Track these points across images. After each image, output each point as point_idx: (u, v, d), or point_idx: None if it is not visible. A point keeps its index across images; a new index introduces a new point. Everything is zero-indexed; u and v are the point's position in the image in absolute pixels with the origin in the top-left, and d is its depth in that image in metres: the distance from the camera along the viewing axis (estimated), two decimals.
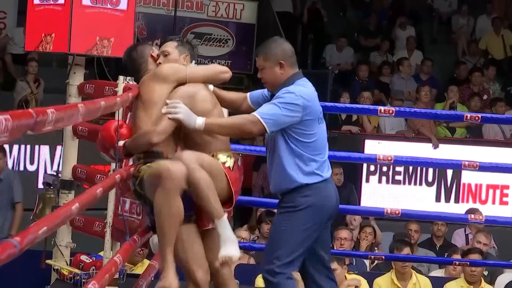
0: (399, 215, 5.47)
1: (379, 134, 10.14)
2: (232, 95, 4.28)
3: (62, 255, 5.23)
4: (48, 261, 5.20)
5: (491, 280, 7.01)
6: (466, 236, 8.45)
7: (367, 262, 7.47)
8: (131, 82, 4.59)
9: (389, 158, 5.40)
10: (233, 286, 4.16)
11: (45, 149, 9.05)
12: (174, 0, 10.91)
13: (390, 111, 5.46)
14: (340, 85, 10.95)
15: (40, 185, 7.36)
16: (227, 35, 11.42)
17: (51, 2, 5.11)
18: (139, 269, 5.96)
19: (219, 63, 10.02)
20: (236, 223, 8.84)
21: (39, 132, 2.29)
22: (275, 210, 4.46)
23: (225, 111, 4.32)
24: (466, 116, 5.60)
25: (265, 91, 4.21)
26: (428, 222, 8.37)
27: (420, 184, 9.81)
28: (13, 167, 8.83)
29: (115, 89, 4.71)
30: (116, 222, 4.74)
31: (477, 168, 5.44)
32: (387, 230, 8.61)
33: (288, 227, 4.02)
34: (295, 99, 3.94)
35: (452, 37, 13.26)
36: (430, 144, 9.73)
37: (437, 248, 8.26)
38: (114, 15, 5.12)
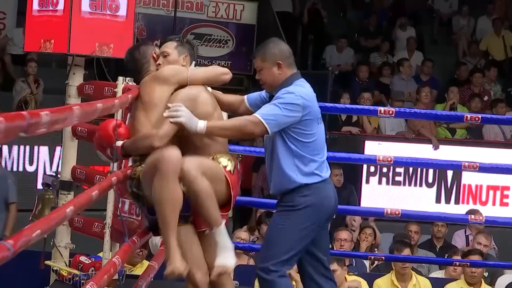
0: (399, 215, 5.47)
1: (379, 135, 10.13)
2: (229, 98, 4.27)
3: (61, 256, 5.22)
4: (47, 262, 5.18)
5: (491, 281, 7.00)
6: (467, 237, 8.44)
7: (367, 263, 7.47)
8: (130, 83, 4.58)
9: (389, 159, 5.39)
10: (230, 286, 4.14)
11: (44, 150, 9.04)
12: (174, 1, 10.91)
13: (390, 112, 5.46)
14: (340, 86, 10.94)
15: (39, 186, 7.36)
16: (227, 35, 11.41)
17: (50, 9, 5.09)
18: (138, 270, 5.94)
19: (219, 64, 10.07)
20: (236, 224, 8.84)
21: (33, 134, 2.28)
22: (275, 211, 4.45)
23: (224, 114, 4.31)
24: (466, 117, 5.59)
25: (262, 93, 4.21)
26: (428, 223, 8.37)
27: (420, 185, 9.80)
28: (12, 167, 8.82)
29: (114, 89, 4.69)
30: (116, 223, 4.73)
31: (477, 169, 5.43)
32: (387, 231, 8.61)
33: (285, 225, 4.02)
34: (295, 99, 3.94)
35: (452, 38, 13.26)
36: (431, 145, 9.72)
37: (437, 249, 8.25)
38: (113, 22, 5.11)
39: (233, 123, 4.04)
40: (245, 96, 4.27)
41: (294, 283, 5.76)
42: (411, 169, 9.68)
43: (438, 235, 8.34)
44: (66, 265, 5.17)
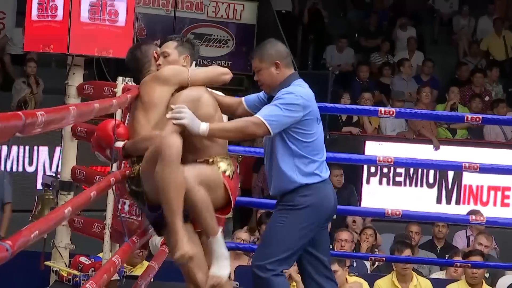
0: (400, 216, 5.46)
1: (379, 136, 10.12)
2: (227, 100, 4.25)
3: (61, 256, 5.21)
4: (47, 263, 5.17)
5: (492, 282, 6.99)
6: (467, 238, 8.43)
7: (367, 263, 7.45)
8: (130, 83, 4.56)
9: (389, 160, 5.38)
10: (228, 286, 4.13)
11: (44, 150, 9.03)
12: (174, 1, 10.89)
13: (391, 112, 5.45)
14: (340, 86, 10.93)
15: (39, 186, 7.35)
16: (227, 35, 11.40)
17: (49, 18, 5.08)
18: (138, 271, 5.93)
19: (219, 64, 10.06)
20: (236, 225, 8.82)
21: (29, 134, 2.26)
22: None
23: (224, 116, 4.30)
24: (467, 117, 5.58)
25: (260, 94, 4.20)
26: (429, 224, 8.35)
27: (421, 185, 9.79)
28: (11, 168, 8.80)
29: (114, 90, 4.68)
30: (115, 224, 4.71)
31: (478, 170, 5.42)
32: (387, 231, 8.59)
33: (284, 224, 4.01)
34: (295, 99, 3.93)
35: (453, 38, 13.25)
36: (431, 146, 9.71)
37: (438, 250, 8.24)
38: (113, 27, 5.09)
39: (235, 125, 4.03)
40: (243, 98, 4.26)
41: (294, 283, 5.76)
42: (411, 169, 9.67)
43: (439, 236, 8.32)
44: (66, 266, 5.16)
